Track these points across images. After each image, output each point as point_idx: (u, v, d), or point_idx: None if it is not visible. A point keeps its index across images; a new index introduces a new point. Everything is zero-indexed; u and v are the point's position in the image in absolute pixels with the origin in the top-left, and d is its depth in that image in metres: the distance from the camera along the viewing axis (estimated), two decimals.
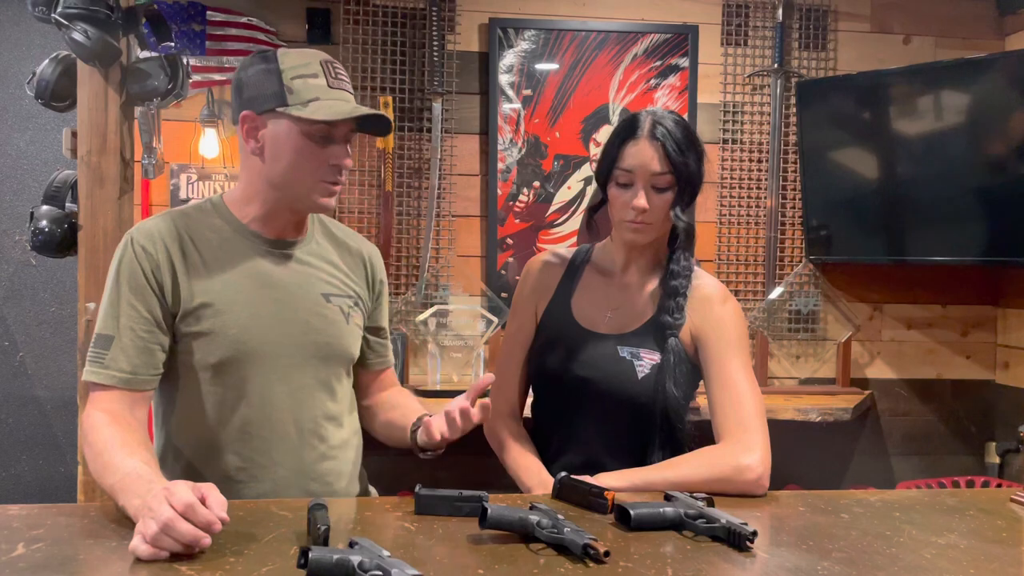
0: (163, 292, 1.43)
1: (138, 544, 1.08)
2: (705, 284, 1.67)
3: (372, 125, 1.50)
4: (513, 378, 1.77)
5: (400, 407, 1.63)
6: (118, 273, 1.43)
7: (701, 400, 1.67)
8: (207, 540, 1.09)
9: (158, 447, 1.53)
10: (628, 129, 1.61)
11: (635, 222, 1.60)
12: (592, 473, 1.48)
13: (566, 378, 1.66)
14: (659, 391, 1.59)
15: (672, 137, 1.58)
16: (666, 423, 1.61)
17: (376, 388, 1.71)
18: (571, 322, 1.69)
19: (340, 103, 1.42)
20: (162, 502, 1.09)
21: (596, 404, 1.64)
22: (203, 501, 1.11)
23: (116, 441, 1.31)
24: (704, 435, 1.60)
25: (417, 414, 1.54)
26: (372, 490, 1.69)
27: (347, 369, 1.60)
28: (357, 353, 1.61)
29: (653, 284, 1.68)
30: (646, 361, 1.61)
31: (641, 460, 1.59)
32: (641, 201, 1.58)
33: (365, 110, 1.44)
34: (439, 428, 1.43)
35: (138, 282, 1.42)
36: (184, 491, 1.10)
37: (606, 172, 1.63)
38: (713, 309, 1.64)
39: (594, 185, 3.20)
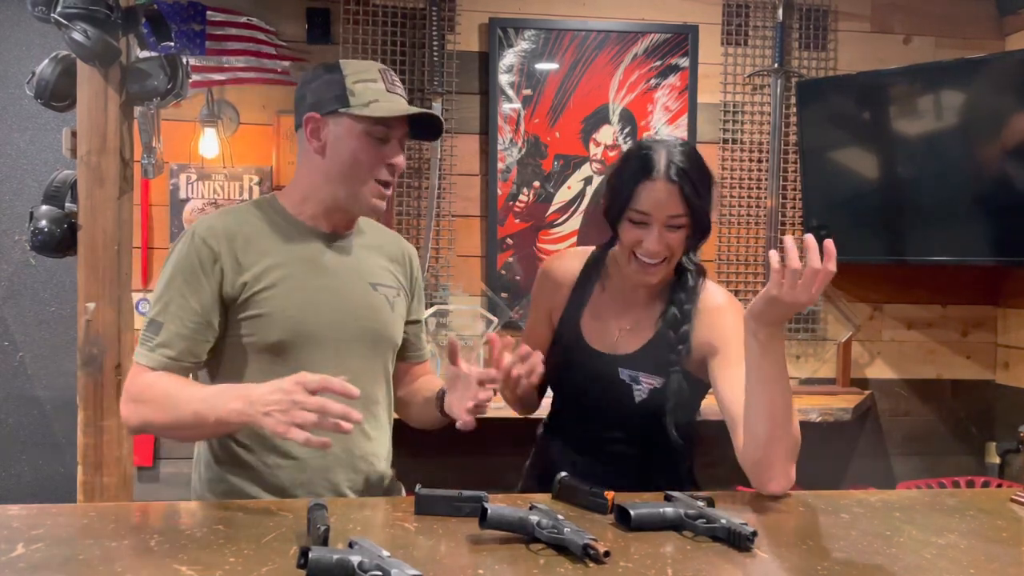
0: (222, 279, 1.51)
1: (285, 431, 1.26)
2: (711, 295, 1.65)
3: (424, 131, 1.63)
4: None
5: (434, 388, 1.67)
6: (176, 263, 1.52)
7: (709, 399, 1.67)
8: (357, 414, 1.28)
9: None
10: (642, 168, 1.54)
11: (647, 263, 1.57)
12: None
13: (569, 394, 1.71)
14: (658, 421, 1.59)
15: (689, 177, 1.52)
16: (665, 446, 1.61)
17: (409, 379, 1.77)
18: (579, 338, 1.68)
19: (398, 103, 1.55)
20: (299, 389, 1.27)
21: (595, 422, 1.66)
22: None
23: (179, 382, 1.46)
24: (703, 438, 1.61)
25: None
26: (399, 484, 1.70)
27: (392, 356, 1.67)
28: (400, 340, 1.69)
29: (660, 304, 1.66)
30: (644, 385, 1.61)
31: (639, 480, 1.56)
32: (656, 245, 1.54)
33: (420, 108, 1.58)
34: (459, 412, 1.48)
35: (194, 273, 1.50)
36: (309, 374, 1.29)
37: (618, 211, 1.57)
38: (723, 318, 1.61)
39: (594, 185, 3.24)
